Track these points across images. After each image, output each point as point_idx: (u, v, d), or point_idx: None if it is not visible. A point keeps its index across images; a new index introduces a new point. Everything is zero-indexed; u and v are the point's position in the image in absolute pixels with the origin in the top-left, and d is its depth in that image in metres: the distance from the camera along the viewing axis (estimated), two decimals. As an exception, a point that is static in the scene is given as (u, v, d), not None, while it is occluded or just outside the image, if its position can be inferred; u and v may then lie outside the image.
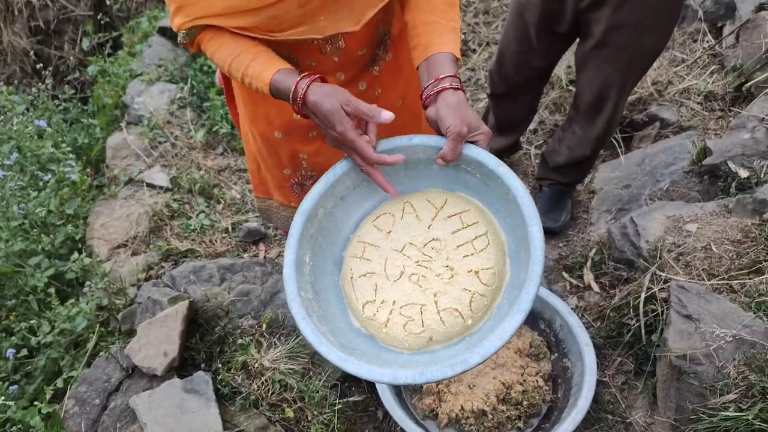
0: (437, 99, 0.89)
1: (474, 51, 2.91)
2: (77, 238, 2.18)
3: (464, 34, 3.02)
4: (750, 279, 1.25)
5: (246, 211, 2.28)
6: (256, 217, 2.24)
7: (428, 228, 0.92)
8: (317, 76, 0.89)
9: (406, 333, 0.85)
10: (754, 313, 1.15)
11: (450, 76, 0.89)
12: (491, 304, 0.84)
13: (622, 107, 1.82)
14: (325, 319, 0.87)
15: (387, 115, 0.86)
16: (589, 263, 1.63)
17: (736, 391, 1.06)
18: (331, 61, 1.04)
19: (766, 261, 1.28)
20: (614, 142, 2.32)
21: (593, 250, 1.66)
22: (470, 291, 0.84)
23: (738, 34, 2.42)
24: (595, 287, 1.57)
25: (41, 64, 3.49)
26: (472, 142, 0.89)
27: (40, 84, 3.15)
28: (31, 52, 3.62)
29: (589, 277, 1.59)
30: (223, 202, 2.30)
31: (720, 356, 1.09)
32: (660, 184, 2.02)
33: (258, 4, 0.89)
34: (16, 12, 3.91)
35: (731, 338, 1.10)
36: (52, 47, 4.02)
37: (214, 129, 2.55)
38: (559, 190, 2.11)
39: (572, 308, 1.50)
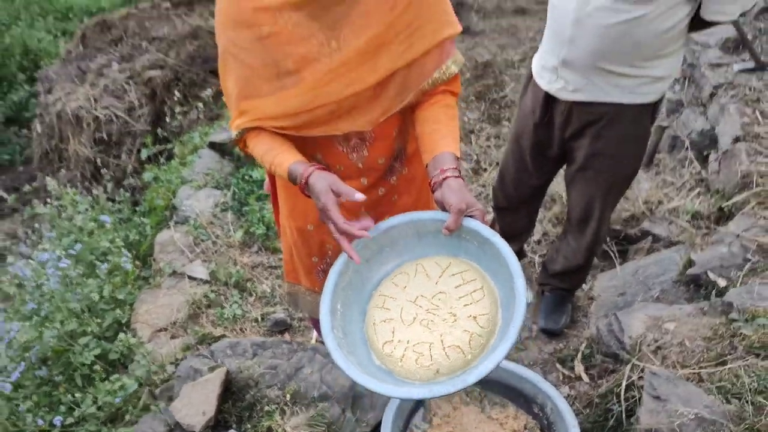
0: (442, 185, 1.15)
1: (485, 170, 3.27)
2: (123, 321, 2.42)
3: (477, 155, 3.39)
4: (716, 369, 1.42)
5: (274, 303, 2.52)
6: (284, 309, 2.47)
7: (436, 284, 1.17)
8: (320, 166, 1.18)
9: (418, 366, 1.06)
10: (715, 396, 1.31)
11: (451, 168, 1.17)
12: (486, 343, 1.06)
13: (606, 221, 2.08)
14: (352, 354, 1.09)
15: (359, 196, 1.13)
16: (579, 356, 1.81)
17: (700, 465, 1.20)
18: (356, 167, 1.34)
19: (729, 354, 1.45)
20: (612, 254, 2.55)
21: (584, 344, 1.84)
22: (470, 332, 1.07)
23: (720, 162, 2.72)
24: (585, 378, 1.73)
25: (105, 169, 3.97)
26: (470, 216, 1.14)
27: (99, 187, 3.58)
28: (98, 160, 4.11)
29: (579, 368, 1.76)
30: (254, 294, 2.55)
31: (684, 432, 1.25)
32: (651, 291, 2.22)
33: (296, 110, 1.20)
34: (85, 125, 4.49)
35: (693, 416, 1.26)
36: (111, 156, 4.54)
37: (251, 230, 2.87)
38: (560, 294, 2.32)
39: (564, 396, 1.65)
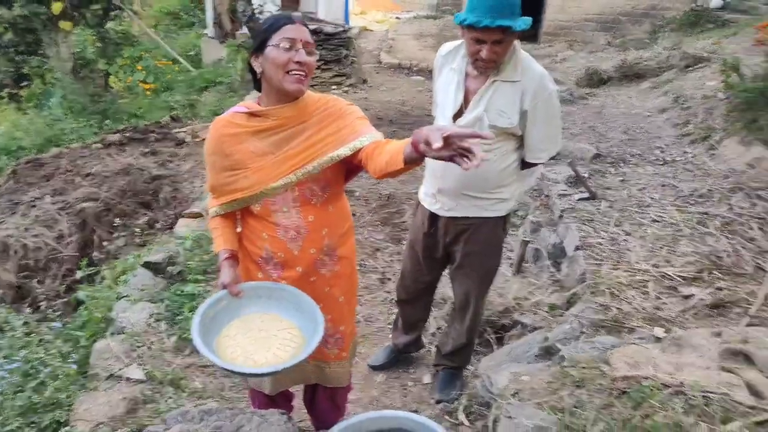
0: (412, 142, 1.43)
1: (389, 279, 3.87)
2: (62, 421, 2.60)
3: (382, 268, 4.01)
4: (551, 397, 1.97)
5: (207, 396, 2.81)
6: (215, 401, 2.77)
7: (270, 322, 1.78)
8: (231, 256, 1.86)
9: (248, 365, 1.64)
10: (548, 413, 1.85)
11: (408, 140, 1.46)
12: (295, 354, 1.66)
13: (482, 306, 2.70)
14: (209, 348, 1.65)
15: (235, 290, 1.79)
16: (462, 408, 2.30)
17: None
18: (293, 255, 1.87)
19: (560, 388, 2.02)
20: (491, 341, 3.14)
21: (465, 398, 2.34)
22: (283, 350, 1.67)
23: (567, 266, 3.50)
24: (466, 422, 2.20)
25: (31, 292, 4.13)
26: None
27: (27, 308, 3.76)
28: (40, 289, 4.26)
29: (462, 416, 2.24)
30: (187, 390, 2.84)
31: (527, 437, 1.76)
32: (520, 366, 2.79)
33: (247, 187, 1.82)
34: (12, 252, 4.67)
35: (532, 426, 1.78)
36: (36, 281, 4.68)
37: (183, 336, 3.19)
38: (451, 372, 2.84)
39: (452, 438, 2.12)
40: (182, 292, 3.57)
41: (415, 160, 1.47)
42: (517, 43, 2.29)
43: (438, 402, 2.68)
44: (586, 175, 4.50)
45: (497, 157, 2.39)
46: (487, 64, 2.23)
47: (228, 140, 1.81)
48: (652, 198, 4.06)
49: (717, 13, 10.85)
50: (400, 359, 3.06)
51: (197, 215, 4.53)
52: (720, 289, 2.86)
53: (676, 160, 4.91)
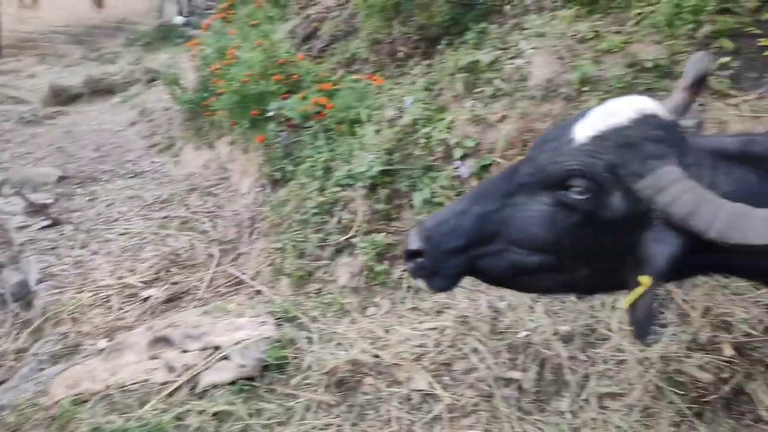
0: None
1: None
2: None
3: None
4: None
5: None
6: None
7: None
8: None
9: None
10: None
11: None
12: None
13: None
14: None
15: None
16: None
17: None
18: None
19: None
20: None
21: None
22: None
23: (30, 302, 3.26)
24: None
25: None
26: None
27: None
28: None
29: None
30: None
31: None
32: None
33: None
34: None
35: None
36: None
37: None
38: None
39: None
40: None
41: None
42: None
43: None
44: (50, 201, 4.27)
45: None
46: None
47: None
48: (119, 212, 4.18)
49: (183, 29, 11.91)
50: None
51: None
52: (176, 283, 3.21)
53: (146, 170, 5.20)
